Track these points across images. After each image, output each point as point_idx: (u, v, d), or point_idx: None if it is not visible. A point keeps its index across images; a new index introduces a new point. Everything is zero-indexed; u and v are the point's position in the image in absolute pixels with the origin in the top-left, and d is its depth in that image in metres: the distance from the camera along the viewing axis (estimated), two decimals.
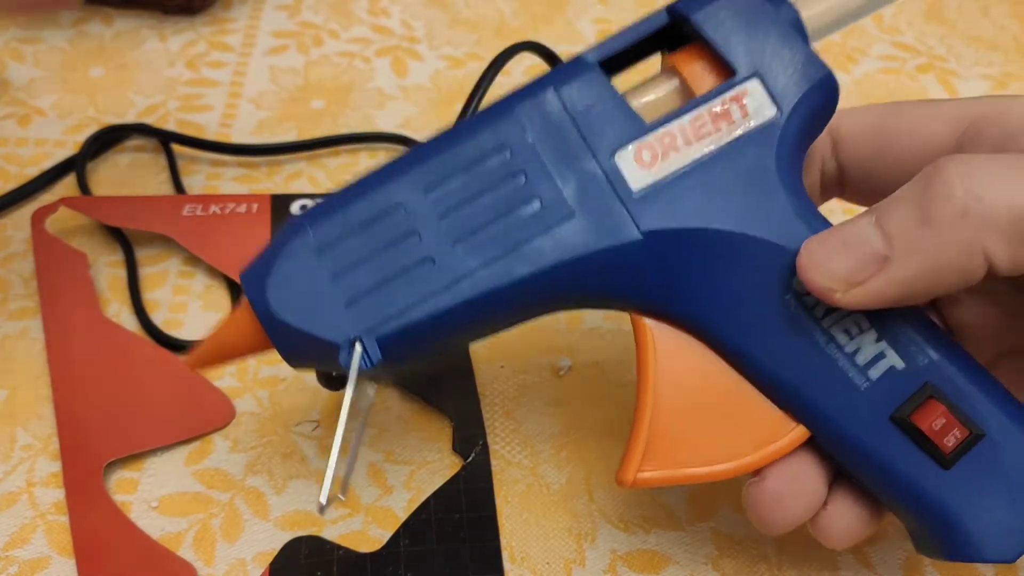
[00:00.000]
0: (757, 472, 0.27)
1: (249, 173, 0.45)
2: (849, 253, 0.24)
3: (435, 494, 0.33)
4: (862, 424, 0.26)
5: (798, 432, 0.27)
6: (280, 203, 0.43)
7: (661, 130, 0.26)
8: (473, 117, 0.27)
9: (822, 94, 0.27)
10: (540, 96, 0.26)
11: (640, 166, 0.26)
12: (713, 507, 0.34)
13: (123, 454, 0.33)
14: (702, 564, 0.32)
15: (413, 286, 0.26)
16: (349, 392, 0.25)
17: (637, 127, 0.26)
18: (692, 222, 0.26)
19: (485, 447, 0.35)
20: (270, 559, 0.31)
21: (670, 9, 0.27)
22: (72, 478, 0.33)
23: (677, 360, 0.27)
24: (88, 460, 0.33)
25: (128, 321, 0.38)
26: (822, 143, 0.30)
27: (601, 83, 0.26)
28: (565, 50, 0.38)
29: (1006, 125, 0.27)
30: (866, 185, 0.30)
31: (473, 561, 0.31)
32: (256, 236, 0.41)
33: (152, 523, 0.32)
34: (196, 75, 0.51)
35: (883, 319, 0.26)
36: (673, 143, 0.26)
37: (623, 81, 0.27)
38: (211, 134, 0.47)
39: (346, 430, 0.25)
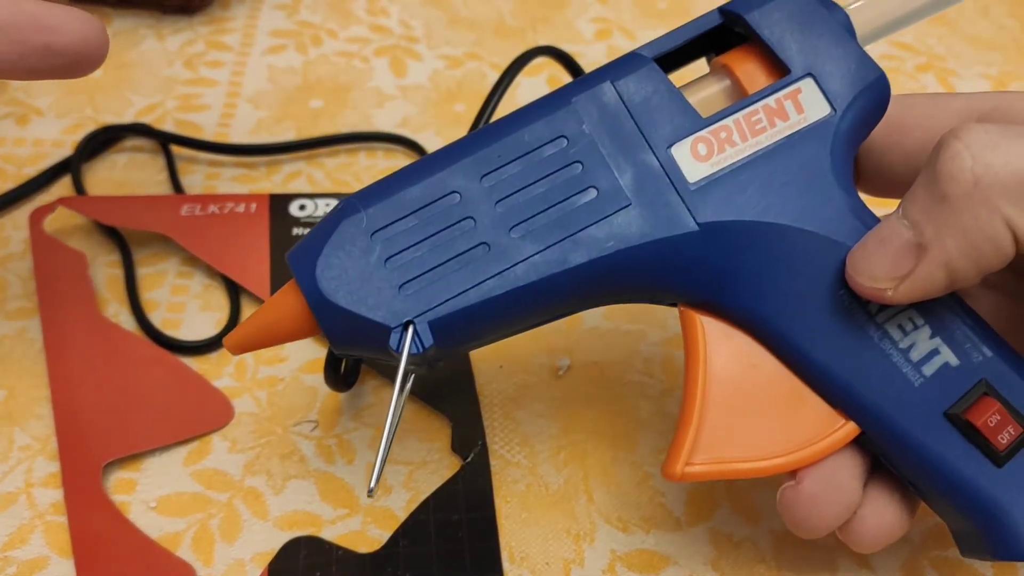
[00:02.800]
0: (793, 474, 0.27)
1: (248, 173, 0.45)
2: (886, 249, 0.24)
3: (434, 494, 0.33)
4: (915, 421, 0.26)
5: (848, 428, 0.27)
6: (279, 203, 0.43)
7: (717, 124, 0.26)
8: (527, 107, 0.27)
9: (874, 95, 0.27)
10: (597, 88, 0.27)
11: (696, 159, 0.26)
12: (712, 508, 0.34)
13: (122, 454, 0.33)
14: (701, 564, 0.32)
15: (467, 271, 0.26)
16: (400, 376, 0.25)
17: (694, 121, 0.26)
18: (749, 215, 0.26)
19: (484, 447, 0.35)
20: (269, 559, 0.31)
21: (723, 9, 0.28)
22: (70, 478, 0.33)
23: (726, 354, 0.27)
24: (86, 460, 0.33)
25: (127, 321, 0.38)
26: None
27: (658, 77, 0.27)
28: (565, 50, 0.38)
29: (1015, 119, 0.27)
30: (879, 178, 0.30)
31: (472, 561, 0.31)
32: (255, 236, 0.41)
33: (151, 523, 0.32)
34: (194, 75, 0.51)
35: (936, 315, 0.26)
36: (729, 137, 0.26)
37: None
38: (209, 134, 0.47)
39: (394, 416, 0.26)
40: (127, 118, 0.48)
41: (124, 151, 0.46)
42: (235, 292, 0.39)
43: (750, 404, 0.27)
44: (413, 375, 0.27)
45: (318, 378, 0.36)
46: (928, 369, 0.26)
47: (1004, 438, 0.25)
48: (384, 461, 0.25)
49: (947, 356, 0.26)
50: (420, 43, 0.54)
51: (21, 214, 0.42)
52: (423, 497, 0.33)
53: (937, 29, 0.57)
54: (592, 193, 0.26)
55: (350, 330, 0.26)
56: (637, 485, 0.34)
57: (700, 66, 0.30)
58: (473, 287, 0.25)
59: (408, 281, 0.26)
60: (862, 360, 0.26)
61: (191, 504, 0.33)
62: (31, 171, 0.44)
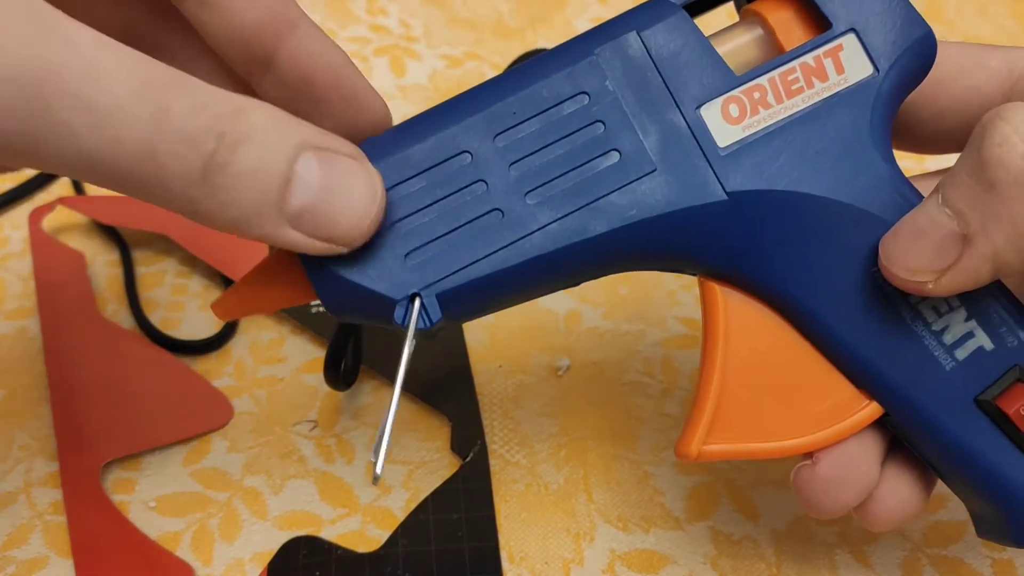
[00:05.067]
0: (809, 455, 0.26)
1: None
2: (925, 241, 0.23)
3: (433, 494, 0.33)
4: (944, 406, 0.25)
5: (872, 409, 0.26)
6: None
7: (751, 83, 0.24)
8: (545, 56, 0.25)
9: (920, 54, 0.25)
10: (621, 38, 0.24)
11: (728, 121, 0.24)
12: (711, 506, 0.34)
13: (121, 454, 0.33)
14: (700, 563, 0.32)
15: (479, 239, 0.24)
16: (406, 353, 0.24)
17: (726, 78, 0.24)
18: (781, 184, 0.24)
19: (483, 447, 0.35)
20: (268, 559, 0.31)
21: None
22: (70, 478, 0.33)
23: (748, 329, 0.26)
24: (86, 460, 0.33)
25: (126, 321, 0.38)
26: None
27: (688, 27, 0.25)
28: None
29: None
30: (906, 133, 0.28)
31: (471, 561, 0.31)
32: None
33: (150, 523, 0.32)
34: None
35: (973, 297, 0.25)
36: (763, 98, 0.25)
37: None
38: None
39: (399, 393, 0.24)
40: None
41: None
42: None
43: (771, 381, 0.26)
44: (416, 344, 0.24)
45: (317, 378, 0.36)
46: (961, 353, 0.25)
47: None
48: (390, 437, 0.23)
49: (981, 340, 0.25)
50: (419, 43, 0.54)
51: (20, 213, 0.42)
52: (422, 497, 0.33)
53: (936, 29, 0.57)
54: (615, 157, 0.24)
55: (350, 300, 0.24)
56: (637, 484, 0.34)
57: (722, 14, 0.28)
58: (485, 257, 0.24)
59: (415, 249, 0.24)
60: (892, 341, 0.25)
61: (190, 504, 0.33)
62: (30, 170, 0.44)
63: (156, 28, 0.26)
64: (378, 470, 0.23)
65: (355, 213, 0.22)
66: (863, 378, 0.25)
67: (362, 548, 0.32)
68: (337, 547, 0.32)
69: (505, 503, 0.33)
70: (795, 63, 0.25)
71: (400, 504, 0.33)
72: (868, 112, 0.25)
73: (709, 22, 0.25)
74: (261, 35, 0.24)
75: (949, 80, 0.27)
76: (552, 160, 0.24)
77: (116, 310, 0.39)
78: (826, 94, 0.25)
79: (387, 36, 0.55)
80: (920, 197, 0.25)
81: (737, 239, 0.25)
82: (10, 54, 0.18)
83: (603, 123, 0.24)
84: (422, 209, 0.24)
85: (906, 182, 0.25)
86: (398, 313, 0.24)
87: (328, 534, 0.32)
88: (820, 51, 0.25)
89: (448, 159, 0.24)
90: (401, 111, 0.49)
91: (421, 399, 0.36)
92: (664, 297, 0.40)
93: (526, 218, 0.24)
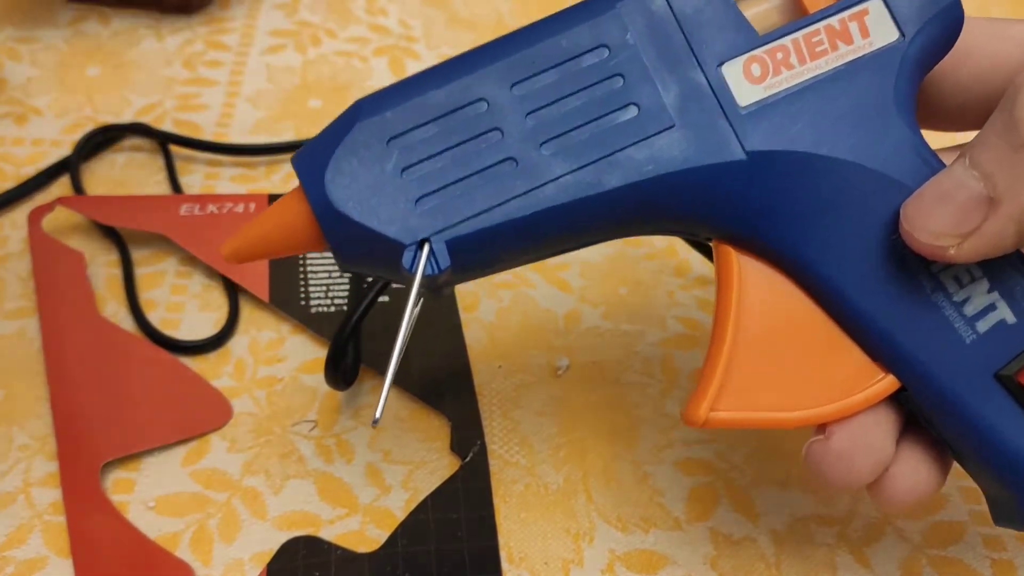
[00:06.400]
0: (823, 428, 0.25)
1: (247, 173, 0.45)
2: (950, 203, 0.22)
3: (433, 494, 0.33)
4: (963, 380, 0.24)
5: (887, 382, 0.25)
6: None
7: (774, 43, 0.24)
8: (567, 9, 0.25)
9: (946, 22, 0.25)
10: None
11: (749, 80, 0.24)
12: (711, 507, 0.34)
13: (120, 454, 0.33)
14: (700, 564, 0.32)
15: (492, 187, 0.23)
16: (411, 300, 0.23)
17: (749, 37, 0.24)
18: (802, 146, 0.24)
19: (483, 447, 0.35)
20: (268, 559, 0.31)
21: None
22: (69, 478, 0.33)
23: (762, 294, 0.25)
24: (85, 460, 0.33)
25: (125, 321, 0.38)
26: None
27: None
28: None
29: None
30: (926, 108, 0.28)
31: (471, 561, 0.31)
32: None
33: (149, 523, 0.32)
34: (193, 74, 0.51)
35: (997, 267, 0.24)
36: (786, 59, 0.24)
37: None
38: (208, 134, 0.47)
39: (404, 341, 0.24)
40: (126, 118, 0.48)
41: (123, 151, 0.46)
42: (234, 292, 0.39)
43: (783, 349, 0.25)
44: (422, 299, 0.25)
45: (317, 378, 0.36)
46: (982, 326, 0.24)
47: None
48: (389, 387, 0.23)
49: (1004, 312, 0.24)
50: (419, 43, 0.54)
51: (20, 214, 0.42)
52: (422, 497, 0.33)
53: None
54: (633, 111, 0.24)
55: (359, 245, 0.24)
56: (636, 484, 0.34)
57: None
58: (497, 206, 0.23)
59: (426, 195, 0.23)
60: (911, 312, 0.24)
61: (190, 504, 0.33)
62: (30, 171, 0.44)
63: None
64: (378, 413, 0.23)
65: None
66: (879, 349, 0.25)
67: (362, 548, 0.32)
68: (337, 547, 0.32)
69: (505, 503, 0.33)
70: (819, 25, 0.24)
71: (400, 504, 0.33)
72: (893, 78, 0.24)
73: None
74: None
75: (970, 52, 0.26)
76: (569, 111, 0.24)
77: (115, 310, 0.39)
78: (850, 57, 0.24)
79: (387, 36, 0.55)
80: (944, 165, 0.24)
81: (754, 201, 0.24)
82: None
83: (622, 77, 0.24)
84: (436, 155, 0.24)
85: (930, 150, 0.25)
86: (406, 258, 0.23)
87: (327, 534, 0.32)
88: (846, 14, 0.24)
89: (464, 106, 0.24)
90: None
91: (421, 399, 0.36)
92: (664, 297, 0.40)
93: (541, 168, 0.24)
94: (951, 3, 0.25)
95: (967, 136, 0.25)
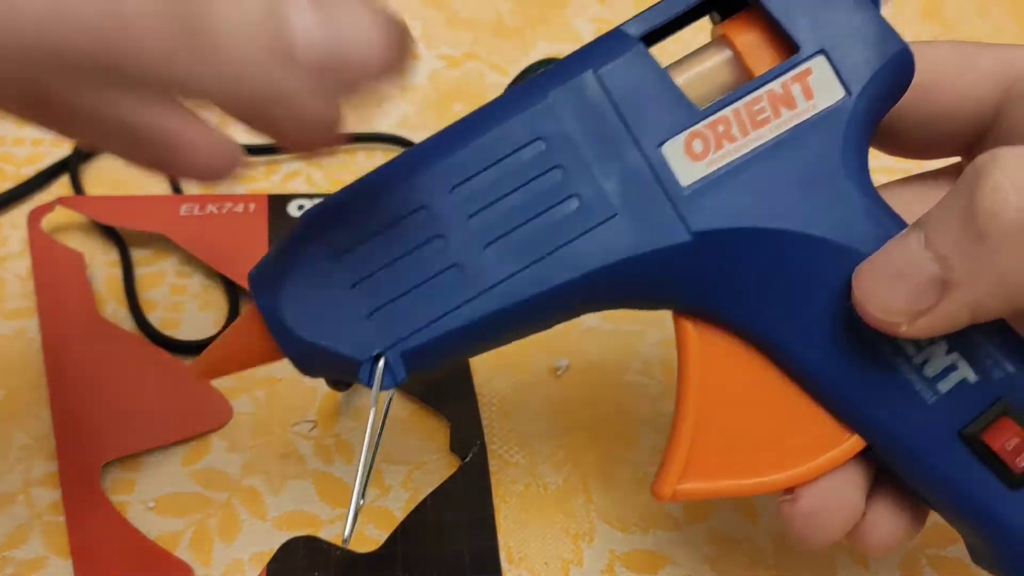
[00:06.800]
0: (790, 490, 0.25)
1: (246, 173, 0.45)
2: (904, 283, 0.21)
3: (433, 494, 0.33)
4: (927, 440, 0.24)
5: (853, 442, 0.25)
6: (277, 203, 0.43)
7: (715, 116, 0.24)
8: (499, 100, 0.24)
9: (895, 72, 0.24)
10: (577, 79, 0.24)
11: (691, 158, 0.23)
12: (711, 507, 0.34)
13: (120, 454, 0.33)
14: (700, 564, 0.32)
15: (440, 295, 0.23)
16: (373, 413, 0.24)
17: (689, 113, 0.24)
18: (748, 221, 0.23)
19: (483, 447, 0.35)
20: (267, 559, 0.31)
21: None
22: (69, 478, 0.33)
23: (722, 365, 0.25)
24: (85, 460, 0.33)
25: (125, 321, 0.38)
26: None
27: (646, 62, 0.24)
28: (564, 50, 0.38)
29: None
30: (892, 138, 0.27)
31: (471, 561, 0.31)
32: (253, 236, 0.41)
33: (149, 523, 0.32)
34: None
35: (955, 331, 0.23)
36: (728, 131, 0.24)
37: (664, 50, 0.25)
38: None
39: (368, 450, 0.24)
40: None
41: None
42: (233, 292, 0.39)
43: (747, 417, 0.25)
44: (391, 399, 0.25)
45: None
46: (944, 386, 0.23)
47: (1022, 461, 0.23)
48: (360, 504, 0.23)
49: (965, 372, 0.23)
50: (419, 43, 0.54)
51: (19, 213, 0.42)
52: (421, 497, 0.33)
53: (934, 29, 0.57)
54: (574, 203, 0.23)
55: (316, 360, 0.24)
56: (636, 485, 0.34)
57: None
58: (447, 313, 0.23)
59: (378, 309, 0.23)
60: (871, 376, 0.24)
61: (189, 504, 0.33)
62: (30, 170, 0.44)
63: None
64: (346, 534, 0.23)
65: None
66: (843, 412, 0.25)
67: (361, 548, 0.32)
68: (336, 547, 0.32)
69: (504, 503, 0.33)
70: (761, 91, 0.24)
71: (399, 504, 0.33)
72: (840, 140, 0.23)
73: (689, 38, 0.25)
74: None
75: (936, 85, 0.25)
76: (511, 210, 0.24)
77: (115, 310, 0.39)
78: (794, 123, 0.24)
79: None
80: (899, 224, 0.24)
81: (705, 278, 0.24)
82: None
83: (561, 168, 0.24)
84: (384, 267, 0.24)
85: (882, 209, 0.24)
86: (363, 373, 0.24)
87: (327, 534, 0.32)
88: (788, 76, 0.24)
89: (406, 216, 0.24)
90: (401, 111, 0.49)
91: (420, 399, 0.36)
92: None
93: (487, 271, 0.23)
94: (899, 51, 0.24)
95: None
